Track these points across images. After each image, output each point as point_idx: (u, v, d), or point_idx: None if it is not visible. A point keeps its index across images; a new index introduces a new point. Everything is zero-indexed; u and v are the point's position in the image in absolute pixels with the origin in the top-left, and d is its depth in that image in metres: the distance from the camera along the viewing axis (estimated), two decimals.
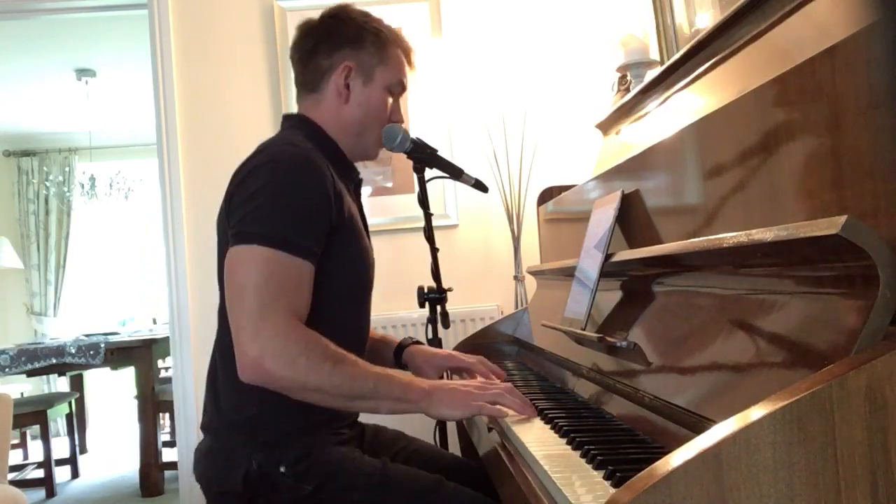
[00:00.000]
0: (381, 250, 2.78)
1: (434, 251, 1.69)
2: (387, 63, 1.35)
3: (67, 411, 4.03)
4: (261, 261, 1.10)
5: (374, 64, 1.34)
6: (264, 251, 1.11)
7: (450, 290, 1.71)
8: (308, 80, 1.36)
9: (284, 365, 1.07)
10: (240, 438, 1.20)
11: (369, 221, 1.43)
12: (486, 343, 2.06)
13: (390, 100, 1.39)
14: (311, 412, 1.15)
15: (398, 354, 1.52)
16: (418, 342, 1.55)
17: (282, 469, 1.17)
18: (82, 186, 5.23)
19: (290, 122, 1.38)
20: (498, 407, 1.14)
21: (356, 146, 1.38)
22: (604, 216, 1.34)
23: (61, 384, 5.49)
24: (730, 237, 0.86)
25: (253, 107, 2.76)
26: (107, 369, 4.19)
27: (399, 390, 1.14)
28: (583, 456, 0.89)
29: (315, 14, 1.39)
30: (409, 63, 1.41)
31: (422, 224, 1.70)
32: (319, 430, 1.23)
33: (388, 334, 1.64)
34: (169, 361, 3.77)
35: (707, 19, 2.01)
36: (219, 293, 1.25)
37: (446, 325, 1.67)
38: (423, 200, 1.67)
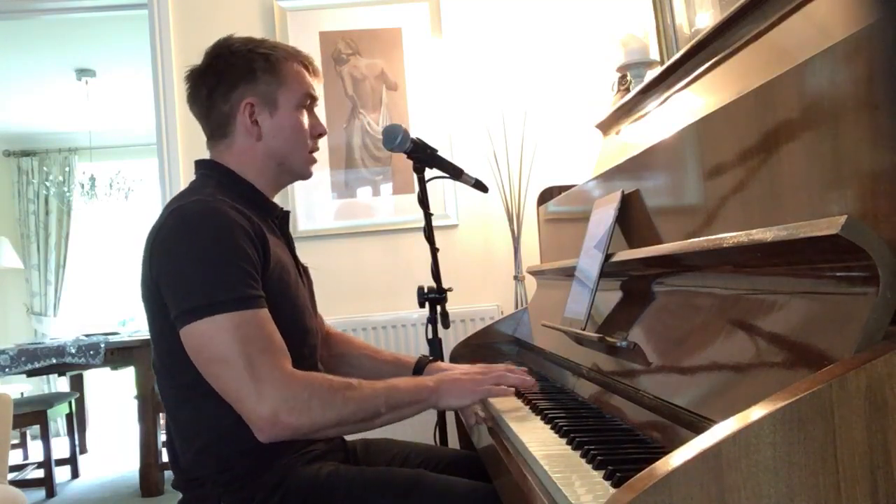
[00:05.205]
0: (382, 250, 2.80)
1: (434, 251, 1.69)
2: (287, 83, 1.28)
3: (67, 411, 4.02)
4: (229, 327, 1.07)
5: (274, 90, 1.27)
6: (227, 317, 1.07)
7: (450, 290, 1.72)
8: (215, 128, 1.30)
9: (301, 413, 1.06)
10: (205, 486, 1.17)
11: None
12: (486, 343, 2.06)
13: (305, 116, 1.32)
14: (273, 443, 1.11)
15: (418, 373, 1.46)
16: (434, 360, 1.51)
17: None
18: (82, 186, 5.23)
19: (201, 170, 1.31)
20: (503, 386, 1.22)
21: (281, 175, 1.32)
22: (604, 216, 1.34)
23: (61, 384, 5.49)
24: (730, 237, 0.86)
25: None
26: (107, 369, 4.18)
27: (409, 395, 1.16)
28: (583, 456, 0.89)
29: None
30: (311, 71, 1.34)
31: (422, 224, 1.70)
32: (289, 454, 1.19)
33: (400, 354, 1.57)
34: None
35: (707, 19, 2.01)
36: (155, 357, 1.24)
37: (446, 325, 1.67)
38: (423, 200, 1.67)
